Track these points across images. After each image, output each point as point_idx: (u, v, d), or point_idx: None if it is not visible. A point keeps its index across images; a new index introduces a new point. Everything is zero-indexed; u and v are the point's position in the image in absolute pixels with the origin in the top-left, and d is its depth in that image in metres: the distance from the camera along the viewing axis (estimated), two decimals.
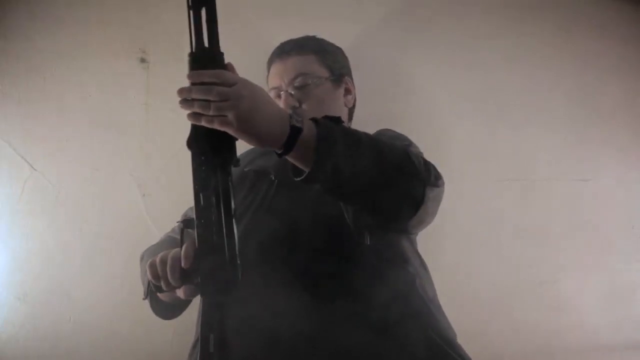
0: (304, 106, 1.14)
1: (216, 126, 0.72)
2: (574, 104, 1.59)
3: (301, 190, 0.97)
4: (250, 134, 0.73)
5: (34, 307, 1.39)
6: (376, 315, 0.91)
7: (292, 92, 1.15)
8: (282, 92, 1.16)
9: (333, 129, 0.78)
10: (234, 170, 1.04)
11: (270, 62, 1.25)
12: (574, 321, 1.52)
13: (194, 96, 0.72)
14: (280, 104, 1.14)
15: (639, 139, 1.60)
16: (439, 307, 1.02)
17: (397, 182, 0.84)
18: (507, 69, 1.57)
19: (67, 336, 1.38)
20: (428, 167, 0.91)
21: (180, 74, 1.48)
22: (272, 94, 1.18)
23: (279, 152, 0.77)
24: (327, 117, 0.82)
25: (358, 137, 0.81)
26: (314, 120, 0.79)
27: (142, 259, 1.13)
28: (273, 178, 1.05)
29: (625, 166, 1.57)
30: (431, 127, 1.53)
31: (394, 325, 0.91)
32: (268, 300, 0.92)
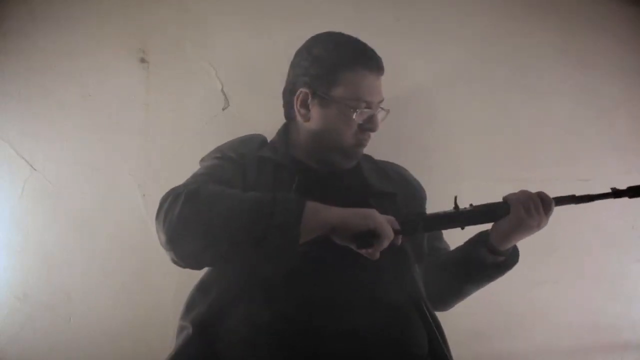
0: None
1: None
2: (574, 103, 1.59)
3: (326, 184, 1.08)
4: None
5: (33, 307, 1.38)
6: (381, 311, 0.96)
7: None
8: (377, 111, 1.10)
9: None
10: (250, 155, 1.11)
11: (366, 67, 1.08)
12: (574, 321, 1.52)
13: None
14: (376, 122, 1.10)
15: (639, 139, 1.60)
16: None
17: None
18: (507, 69, 1.57)
19: (66, 336, 1.38)
20: None
21: (180, 74, 1.50)
22: (359, 104, 1.07)
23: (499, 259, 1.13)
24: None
25: None
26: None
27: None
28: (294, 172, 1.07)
29: (625, 166, 1.57)
30: (431, 128, 1.54)
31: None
32: (280, 291, 0.95)
